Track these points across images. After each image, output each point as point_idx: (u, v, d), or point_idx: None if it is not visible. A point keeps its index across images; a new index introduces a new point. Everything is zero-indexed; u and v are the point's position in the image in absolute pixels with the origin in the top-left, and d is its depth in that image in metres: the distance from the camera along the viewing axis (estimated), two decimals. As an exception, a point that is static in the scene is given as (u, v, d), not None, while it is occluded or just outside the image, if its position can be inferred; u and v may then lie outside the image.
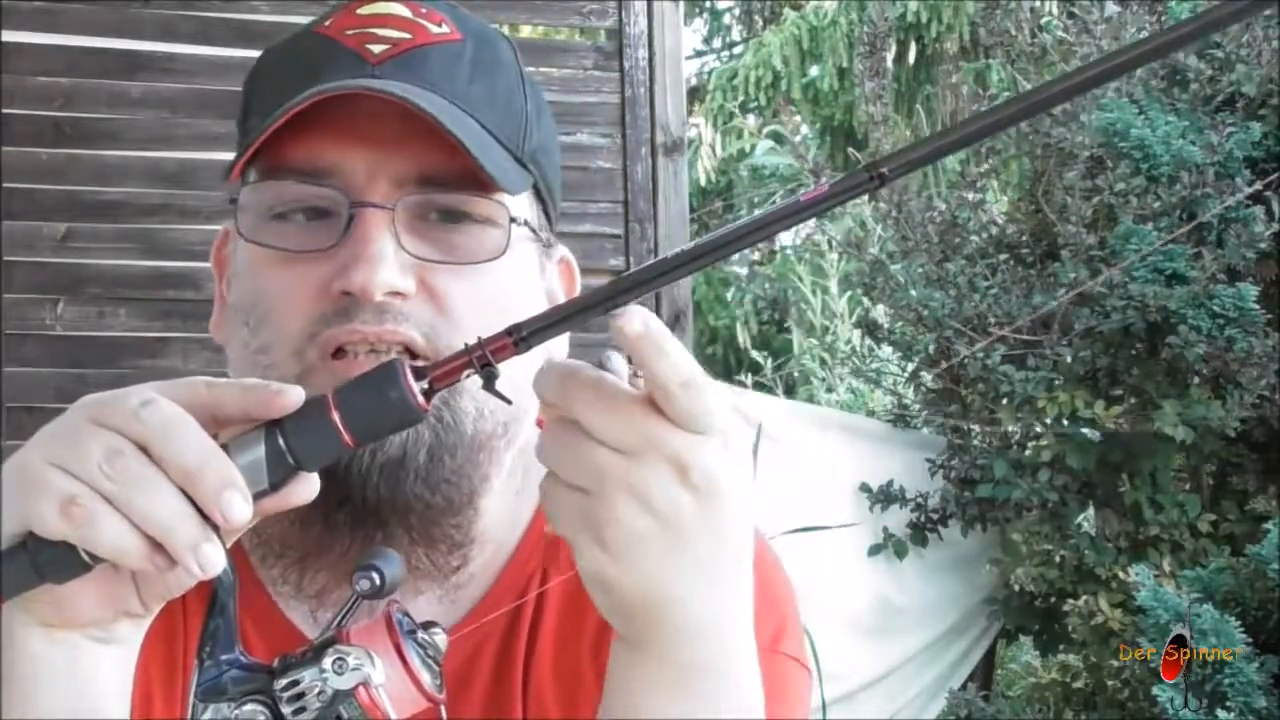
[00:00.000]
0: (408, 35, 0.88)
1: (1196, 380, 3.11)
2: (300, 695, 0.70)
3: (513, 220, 0.87)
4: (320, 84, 0.84)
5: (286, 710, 0.70)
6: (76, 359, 3.46)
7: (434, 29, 0.89)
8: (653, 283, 0.64)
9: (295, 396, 0.67)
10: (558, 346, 0.86)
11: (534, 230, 0.92)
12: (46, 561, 0.66)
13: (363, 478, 0.83)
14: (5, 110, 3.43)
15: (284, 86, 0.86)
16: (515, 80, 0.92)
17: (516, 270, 0.90)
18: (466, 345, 0.66)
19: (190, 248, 3.51)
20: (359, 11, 0.90)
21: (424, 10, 0.90)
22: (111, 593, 0.70)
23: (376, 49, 0.87)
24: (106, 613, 0.70)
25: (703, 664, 0.70)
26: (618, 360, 0.67)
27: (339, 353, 0.84)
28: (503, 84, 0.91)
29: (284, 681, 0.70)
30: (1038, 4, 6.29)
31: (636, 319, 0.63)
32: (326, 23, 0.90)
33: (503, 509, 0.93)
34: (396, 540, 0.87)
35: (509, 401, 0.68)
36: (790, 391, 6.64)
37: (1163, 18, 3.46)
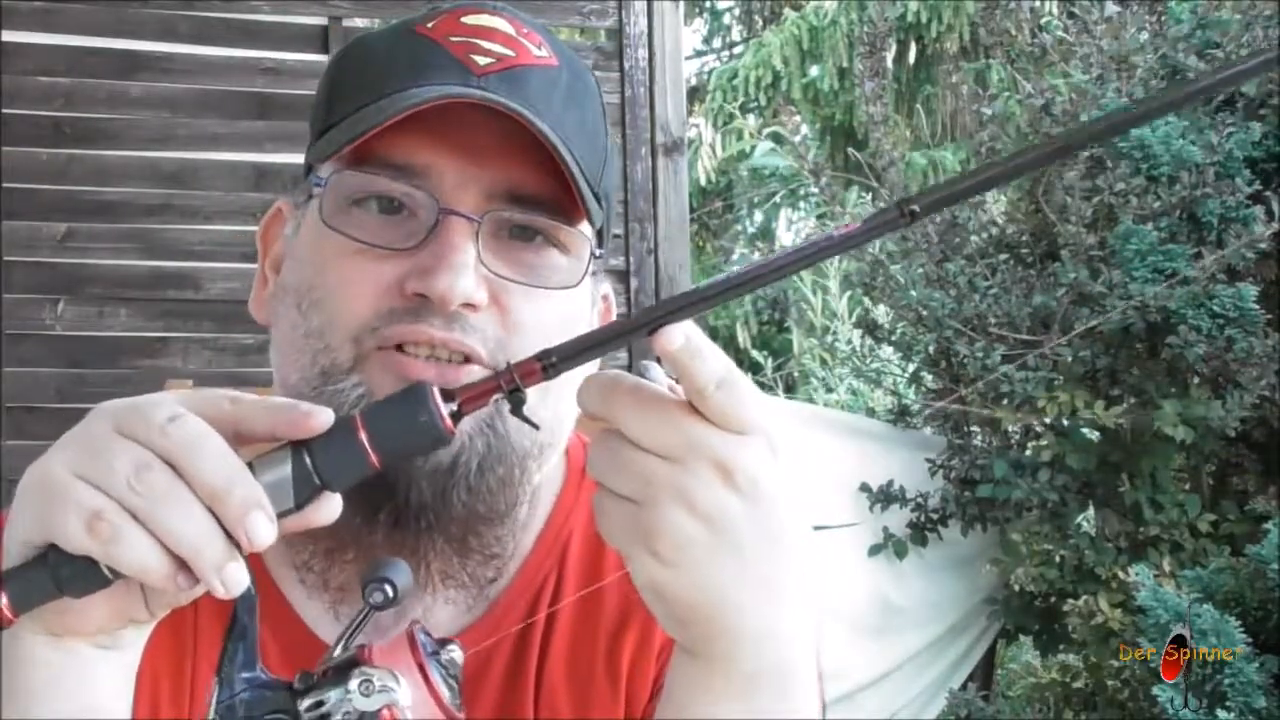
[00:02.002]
0: (511, 53, 0.88)
1: (1196, 380, 3.11)
2: (325, 716, 0.69)
3: (593, 254, 0.88)
4: (425, 85, 0.84)
5: None
6: (76, 359, 3.46)
7: (535, 50, 0.90)
8: (681, 313, 0.65)
9: (325, 419, 0.66)
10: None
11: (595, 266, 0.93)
12: (68, 576, 0.65)
13: (409, 480, 0.83)
14: (5, 110, 3.43)
15: (384, 80, 0.86)
16: (600, 116, 0.93)
17: (582, 300, 0.91)
18: (495, 370, 0.66)
19: (190, 248, 3.51)
20: (464, 20, 0.90)
21: (524, 30, 0.91)
22: (121, 603, 0.69)
23: (481, 60, 0.87)
24: (114, 622, 0.70)
25: (766, 673, 0.70)
26: (656, 371, 0.68)
27: (398, 349, 0.84)
28: (590, 117, 0.91)
29: (308, 701, 0.70)
30: (1038, 4, 6.29)
31: (677, 334, 0.64)
32: (429, 24, 0.90)
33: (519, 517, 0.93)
34: (435, 546, 0.87)
35: (536, 427, 0.69)
36: (790, 391, 6.64)
37: (1163, 18, 3.46)
